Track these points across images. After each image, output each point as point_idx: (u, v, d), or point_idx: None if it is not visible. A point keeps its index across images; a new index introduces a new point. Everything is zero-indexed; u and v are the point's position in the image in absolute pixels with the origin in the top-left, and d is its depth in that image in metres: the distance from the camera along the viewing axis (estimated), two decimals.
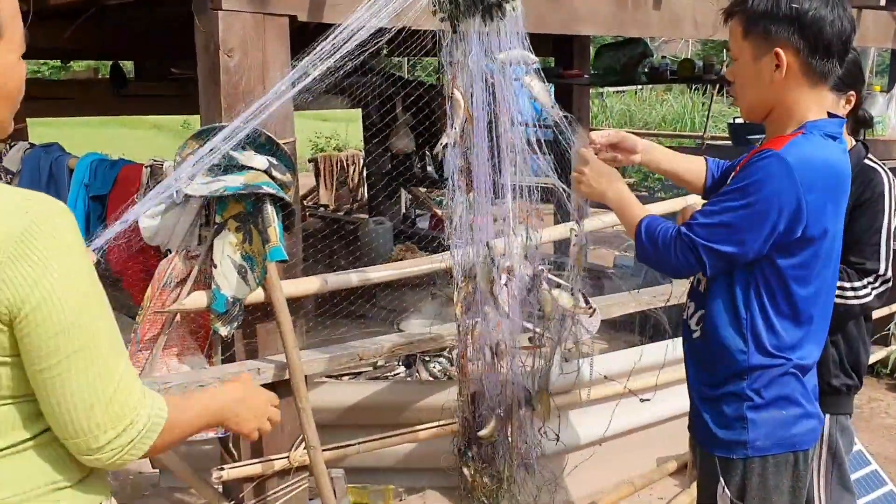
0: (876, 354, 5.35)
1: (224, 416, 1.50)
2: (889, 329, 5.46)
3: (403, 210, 8.34)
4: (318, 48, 2.10)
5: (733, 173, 2.01)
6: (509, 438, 2.41)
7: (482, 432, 2.37)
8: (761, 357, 1.92)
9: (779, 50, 1.84)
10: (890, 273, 2.44)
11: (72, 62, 14.86)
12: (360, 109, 7.55)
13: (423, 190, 8.13)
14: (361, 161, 10.03)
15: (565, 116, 2.13)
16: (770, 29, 1.85)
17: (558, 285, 2.26)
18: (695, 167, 2.27)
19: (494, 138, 2.16)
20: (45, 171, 3.85)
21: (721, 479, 2.00)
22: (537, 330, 2.32)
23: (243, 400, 1.53)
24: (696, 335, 2.06)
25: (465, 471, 2.49)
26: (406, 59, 14.60)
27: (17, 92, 1.31)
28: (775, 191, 1.79)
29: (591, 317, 2.40)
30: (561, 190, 2.20)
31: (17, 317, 1.18)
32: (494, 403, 2.38)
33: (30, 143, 4.12)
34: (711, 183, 2.24)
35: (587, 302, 2.38)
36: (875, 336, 5.49)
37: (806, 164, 1.79)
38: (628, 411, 3.50)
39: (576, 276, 2.28)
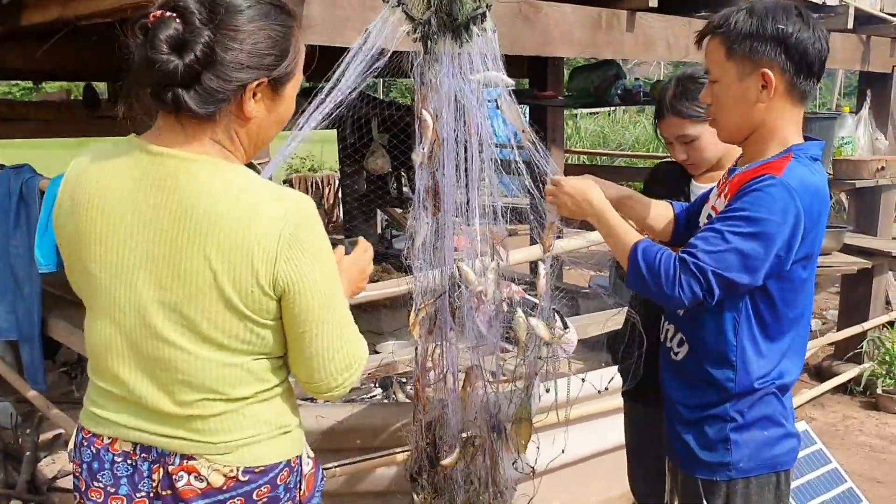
0: (849, 372, 5.40)
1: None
2: (862, 347, 5.51)
3: (379, 231, 8.32)
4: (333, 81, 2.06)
5: (721, 196, 1.99)
6: (469, 468, 2.34)
7: (446, 461, 2.29)
8: (748, 382, 1.92)
9: (766, 70, 1.84)
10: None
11: (44, 83, 14.72)
12: (335, 130, 7.54)
13: (399, 210, 8.12)
14: (337, 181, 10.01)
15: (536, 140, 2.12)
16: (756, 49, 1.84)
17: (533, 307, 2.21)
18: (662, 214, 2.24)
19: (464, 160, 2.14)
20: (16, 193, 3.80)
21: (704, 501, 1.99)
22: (511, 357, 2.29)
23: (354, 283, 1.85)
24: (678, 356, 2.04)
25: (415, 497, 2.42)
26: (381, 79, 14.63)
27: (288, 120, 1.62)
28: (782, 219, 1.77)
29: (567, 336, 2.38)
30: (537, 206, 2.18)
31: (288, 294, 1.47)
32: (457, 431, 2.31)
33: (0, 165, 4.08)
34: (676, 227, 2.23)
35: (564, 322, 2.36)
36: (848, 354, 5.55)
37: (805, 191, 1.80)
38: (592, 434, 3.49)
39: (548, 304, 2.21)
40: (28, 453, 4.02)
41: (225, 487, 1.53)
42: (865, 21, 5.02)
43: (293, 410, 1.65)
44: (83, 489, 1.59)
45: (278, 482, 1.58)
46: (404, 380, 4.60)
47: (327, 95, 2.05)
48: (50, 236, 3.46)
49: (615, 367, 2.74)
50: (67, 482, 3.96)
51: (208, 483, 1.52)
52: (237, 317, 1.47)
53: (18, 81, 16.99)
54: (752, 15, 1.85)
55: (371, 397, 4.56)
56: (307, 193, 10.75)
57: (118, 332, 1.52)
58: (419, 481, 2.40)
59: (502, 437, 2.30)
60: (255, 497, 1.55)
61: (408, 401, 4.41)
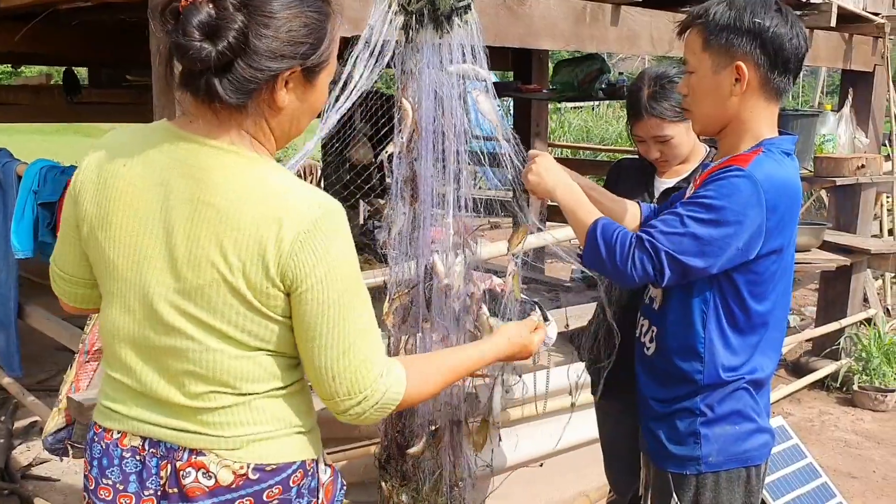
0: (826, 369, 5.45)
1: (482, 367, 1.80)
2: (839, 344, 5.56)
3: (362, 221, 8.29)
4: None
5: (692, 187, 2.00)
6: (436, 458, 2.31)
7: (412, 450, 2.26)
8: (717, 375, 1.93)
9: (740, 63, 1.85)
10: None
11: (23, 67, 14.57)
12: (317, 119, 7.49)
13: (381, 201, 8.09)
14: (319, 172, 9.96)
15: (514, 136, 2.11)
16: (732, 42, 1.84)
17: (494, 314, 2.15)
18: (630, 211, 2.25)
19: (443, 150, 2.12)
20: None
21: (674, 495, 1.99)
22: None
23: (517, 356, 1.85)
24: (650, 352, 2.05)
25: (384, 485, 2.41)
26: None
27: (320, 109, 1.57)
28: (743, 209, 1.78)
29: (547, 329, 2.36)
30: (516, 206, 2.16)
31: (295, 291, 1.41)
32: (425, 420, 2.29)
33: None
34: (644, 221, 2.23)
35: (544, 315, 2.35)
36: (826, 350, 5.60)
37: (771, 185, 1.80)
38: (566, 427, 3.50)
39: (512, 304, 2.16)
40: (2, 440, 3.99)
41: (234, 485, 1.46)
42: (848, 19, 5.04)
43: (308, 412, 1.58)
44: (92, 487, 1.53)
45: (291, 484, 1.51)
46: None
47: (341, 91, 2.04)
48: (27, 222, 3.43)
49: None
50: (42, 470, 3.93)
51: (216, 480, 1.45)
52: (248, 309, 1.42)
53: None
54: (731, 7, 1.86)
55: None
56: None
57: (131, 319, 1.47)
58: (388, 469, 2.40)
59: (461, 432, 2.29)
60: (265, 498, 1.48)
61: None
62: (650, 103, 2.43)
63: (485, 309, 2.15)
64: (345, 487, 1.68)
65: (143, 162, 1.45)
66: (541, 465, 2.80)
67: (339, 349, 1.43)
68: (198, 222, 1.40)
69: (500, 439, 2.36)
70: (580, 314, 3.56)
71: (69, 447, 2.65)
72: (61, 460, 2.88)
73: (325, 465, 1.62)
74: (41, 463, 3.97)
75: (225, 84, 1.36)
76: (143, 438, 1.49)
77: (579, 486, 3.79)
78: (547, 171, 2.02)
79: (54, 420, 2.70)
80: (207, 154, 1.41)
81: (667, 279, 1.83)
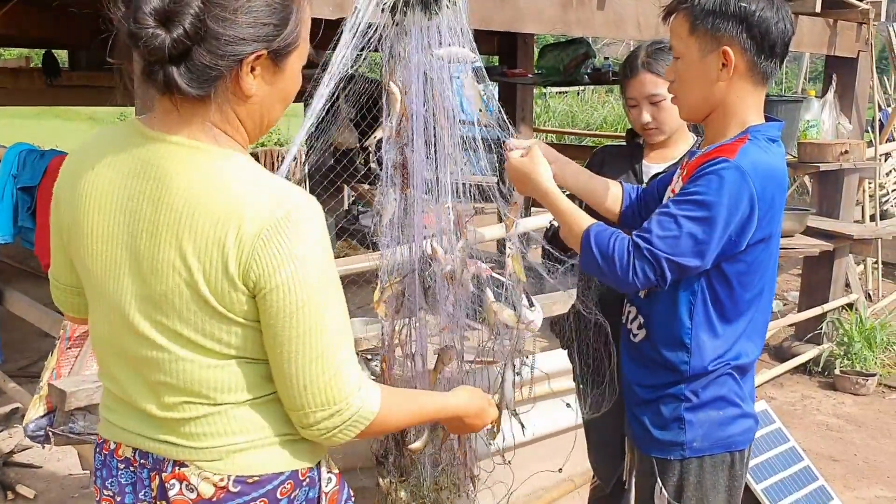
0: (808, 353, 5.49)
1: (446, 422, 1.75)
2: (821, 328, 5.60)
3: (346, 206, 8.27)
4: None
5: (679, 180, 1.99)
6: (439, 452, 2.27)
7: (414, 445, 2.18)
8: (702, 365, 1.93)
9: (727, 48, 1.83)
10: None
11: (2, 50, 14.39)
12: (301, 104, 7.45)
13: (366, 186, 8.06)
14: (303, 156, 9.91)
15: (500, 120, 2.09)
16: (718, 26, 1.83)
17: (501, 285, 2.13)
18: (611, 190, 2.23)
19: (433, 135, 2.10)
20: None
21: (658, 479, 2.00)
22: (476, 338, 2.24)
23: (474, 416, 1.72)
24: (637, 338, 2.05)
25: (381, 482, 2.36)
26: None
27: (294, 96, 1.46)
28: (734, 202, 1.77)
29: (532, 315, 2.34)
30: (499, 192, 2.14)
31: (260, 293, 1.31)
32: None
33: None
34: (628, 206, 2.21)
35: (530, 300, 2.33)
36: (808, 335, 5.64)
37: (758, 173, 1.79)
38: (549, 413, 3.50)
39: (516, 288, 2.13)
40: None
41: (215, 499, 1.38)
42: (833, 5, 5.05)
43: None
44: (97, 498, 1.51)
45: (279, 496, 1.41)
46: (369, 357, 4.59)
47: (323, 72, 2.01)
48: (6, 207, 3.38)
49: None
50: (24, 457, 3.91)
51: (198, 493, 1.38)
52: (212, 315, 1.33)
53: None
54: None
55: None
56: (272, 168, 10.66)
57: (111, 329, 1.42)
58: (385, 465, 2.37)
59: None
60: None
61: (373, 378, 4.39)
62: (647, 59, 2.48)
63: (489, 293, 2.11)
64: (352, 498, 1.59)
65: (111, 165, 1.39)
66: (560, 470, 2.81)
67: (311, 356, 1.34)
68: (159, 226, 1.33)
69: (522, 426, 2.31)
70: (565, 299, 3.57)
71: (50, 434, 2.63)
72: (42, 447, 2.86)
73: (329, 472, 1.53)
74: (23, 450, 3.95)
75: (183, 73, 1.27)
76: (134, 450, 1.45)
77: (565, 471, 3.79)
78: (519, 169, 2.00)
79: (35, 407, 2.68)
80: (168, 152, 1.34)
81: (668, 282, 1.82)
